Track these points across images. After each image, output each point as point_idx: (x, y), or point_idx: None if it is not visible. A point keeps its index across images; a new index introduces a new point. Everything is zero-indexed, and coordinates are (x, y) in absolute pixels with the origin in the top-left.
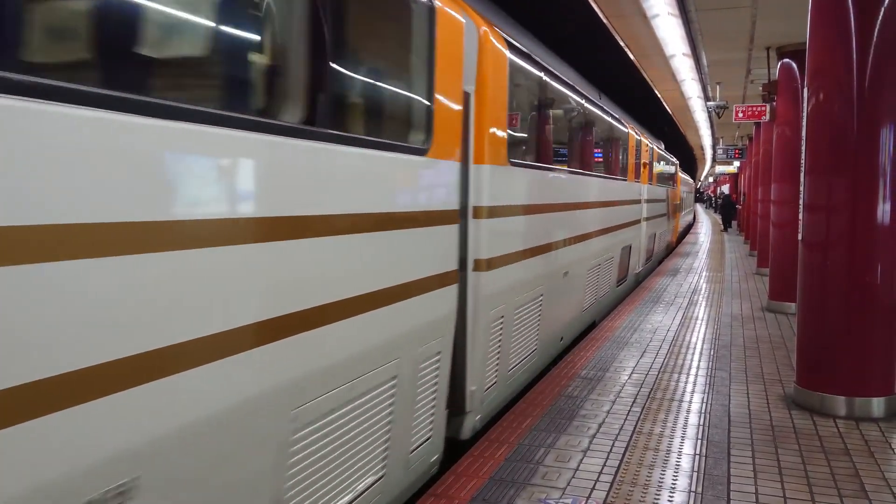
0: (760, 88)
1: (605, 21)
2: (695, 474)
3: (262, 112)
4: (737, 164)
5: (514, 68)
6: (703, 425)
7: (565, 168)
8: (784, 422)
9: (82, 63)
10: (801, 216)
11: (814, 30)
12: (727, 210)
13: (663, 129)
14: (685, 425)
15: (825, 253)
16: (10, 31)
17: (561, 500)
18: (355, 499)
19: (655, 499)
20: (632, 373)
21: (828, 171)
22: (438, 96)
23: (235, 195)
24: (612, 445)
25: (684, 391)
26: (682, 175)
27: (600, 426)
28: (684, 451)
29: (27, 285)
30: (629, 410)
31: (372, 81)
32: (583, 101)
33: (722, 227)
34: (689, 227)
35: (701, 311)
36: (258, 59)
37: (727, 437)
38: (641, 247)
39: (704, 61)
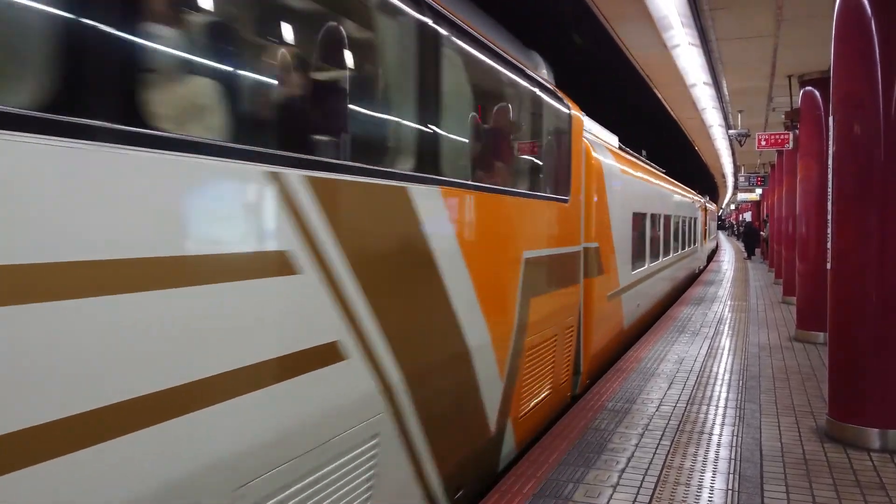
0: (783, 116)
1: (624, 50)
2: None
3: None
4: (759, 191)
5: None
6: (735, 459)
7: None
8: (817, 455)
9: None
10: (828, 245)
11: (838, 59)
12: (750, 238)
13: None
14: (716, 459)
15: (854, 282)
16: None
17: None
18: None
19: None
20: (659, 405)
21: (855, 199)
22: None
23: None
24: (643, 480)
25: (714, 424)
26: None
27: (629, 460)
28: (716, 486)
29: None
30: (658, 444)
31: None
32: None
33: (745, 254)
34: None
35: (727, 340)
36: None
37: (760, 472)
38: None
39: (725, 90)
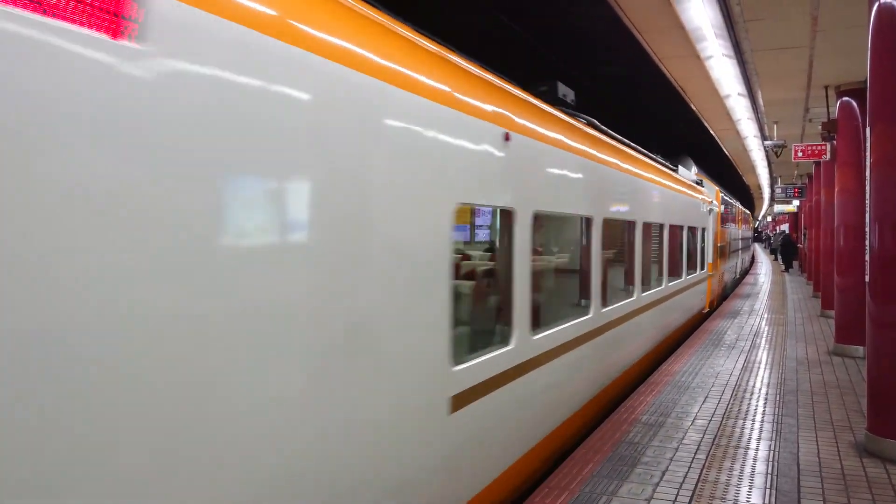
0: (820, 127)
1: (657, 62)
2: None
3: None
4: (796, 203)
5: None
6: (771, 474)
7: None
8: (856, 470)
9: None
10: (867, 258)
11: (874, 69)
12: (787, 250)
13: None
14: (752, 474)
15: (893, 295)
16: None
17: None
18: None
19: None
20: (695, 418)
21: (894, 212)
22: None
23: None
24: (677, 494)
25: (750, 438)
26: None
27: (664, 474)
28: (752, 500)
29: None
30: (693, 458)
31: None
32: None
33: (783, 267)
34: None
35: (764, 354)
36: None
37: (797, 487)
38: None
39: (760, 101)
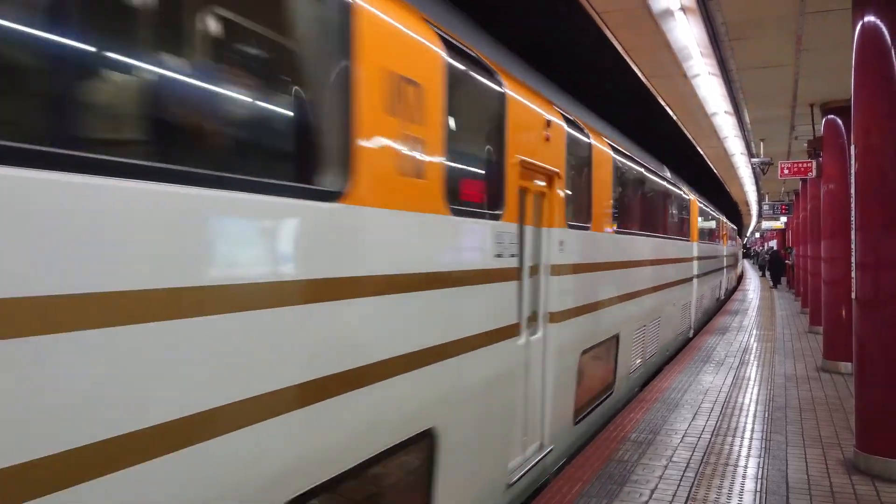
0: (805, 145)
1: (644, 81)
2: None
3: None
4: (784, 219)
5: None
6: (761, 492)
7: None
8: (845, 488)
9: None
10: (853, 274)
11: (858, 88)
12: (776, 266)
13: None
14: (741, 492)
15: (880, 311)
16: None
17: None
18: None
19: None
20: (684, 436)
21: (879, 228)
22: None
23: None
24: None
25: (739, 455)
26: None
27: (653, 492)
28: None
29: None
30: (682, 476)
31: None
32: None
33: (771, 284)
34: None
35: (753, 371)
36: None
37: None
38: None
39: (747, 119)
